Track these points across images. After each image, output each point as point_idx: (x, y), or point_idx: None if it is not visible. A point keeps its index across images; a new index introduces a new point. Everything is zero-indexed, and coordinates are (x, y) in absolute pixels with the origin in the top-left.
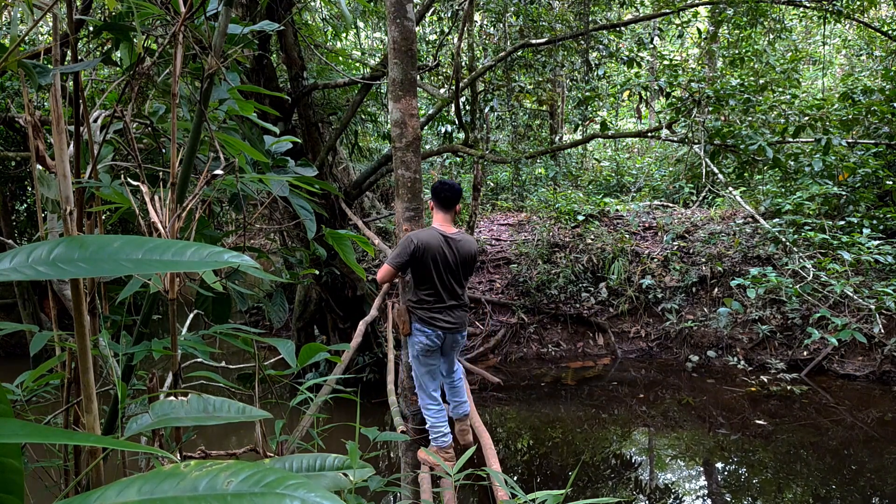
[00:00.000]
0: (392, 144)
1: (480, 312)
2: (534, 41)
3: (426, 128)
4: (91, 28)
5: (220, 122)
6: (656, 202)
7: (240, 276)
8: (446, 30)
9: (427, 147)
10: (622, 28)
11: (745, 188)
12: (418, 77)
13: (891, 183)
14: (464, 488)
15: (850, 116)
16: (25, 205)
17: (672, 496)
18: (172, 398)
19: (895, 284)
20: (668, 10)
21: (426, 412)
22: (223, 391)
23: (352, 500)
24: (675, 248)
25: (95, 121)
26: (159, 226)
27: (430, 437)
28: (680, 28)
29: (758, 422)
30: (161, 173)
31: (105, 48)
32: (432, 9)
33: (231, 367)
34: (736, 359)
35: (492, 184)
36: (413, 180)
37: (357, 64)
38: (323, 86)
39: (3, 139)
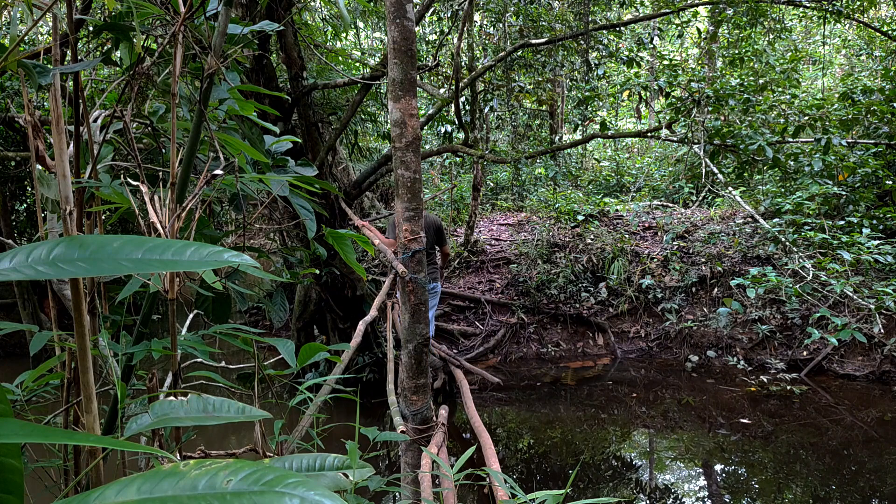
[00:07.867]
0: (392, 144)
1: (480, 312)
2: (534, 41)
3: (426, 128)
4: (91, 28)
5: (220, 122)
6: (656, 202)
7: (240, 276)
8: (446, 30)
9: (427, 147)
10: (622, 28)
11: (744, 188)
12: (418, 77)
13: (891, 183)
14: (464, 488)
15: (850, 116)
16: (25, 205)
17: (672, 496)
18: (172, 398)
19: (895, 284)
20: (668, 10)
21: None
22: (223, 391)
23: (352, 500)
24: (675, 248)
25: (95, 121)
26: (159, 226)
27: None
28: (680, 28)
29: (742, 420)
30: (161, 173)
31: (105, 48)
32: (432, 9)
33: (231, 367)
34: (736, 359)
35: (492, 184)
36: (413, 180)
37: (357, 64)
38: (323, 86)
39: (3, 139)
